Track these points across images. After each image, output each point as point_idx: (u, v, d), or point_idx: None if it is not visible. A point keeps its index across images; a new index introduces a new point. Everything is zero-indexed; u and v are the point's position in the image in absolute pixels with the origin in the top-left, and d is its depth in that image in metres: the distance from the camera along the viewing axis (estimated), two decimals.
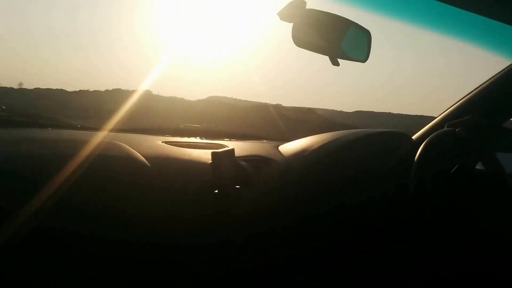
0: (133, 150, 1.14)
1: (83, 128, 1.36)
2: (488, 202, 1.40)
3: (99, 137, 1.20)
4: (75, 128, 1.37)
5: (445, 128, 1.37)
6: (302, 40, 1.00)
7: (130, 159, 1.11)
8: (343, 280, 1.32)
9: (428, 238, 1.34)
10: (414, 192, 1.27)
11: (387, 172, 1.40)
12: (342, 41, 1.06)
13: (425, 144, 1.32)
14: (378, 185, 1.39)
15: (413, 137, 1.63)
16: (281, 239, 1.21)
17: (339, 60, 1.07)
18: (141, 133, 1.41)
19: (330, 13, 1.01)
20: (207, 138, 1.49)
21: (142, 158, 1.12)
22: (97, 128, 1.32)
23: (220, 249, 1.11)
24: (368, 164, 1.40)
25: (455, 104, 1.59)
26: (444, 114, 1.60)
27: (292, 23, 0.97)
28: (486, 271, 1.36)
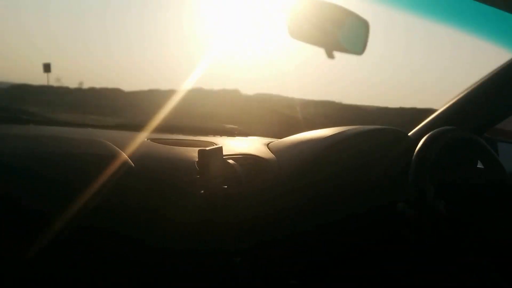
0: (116, 148, 1.11)
1: (66, 124, 1.34)
2: (489, 203, 1.36)
3: (80, 133, 1.18)
4: (57, 124, 1.35)
5: (444, 127, 1.33)
6: (297, 31, 0.96)
7: (112, 157, 1.07)
8: (338, 283, 1.28)
9: (428, 240, 1.31)
10: (413, 191, 1.23)
11: (383, 170, 1.36)
12: (339, 32, 1.01)
13: (423, 142, 1.28)
14: (374, 185, 1.34)
15: (410, 134, 1.59)
16: (271, 241, 1.17)
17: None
18: (126, 130, 1.38)
19: (328, 2, 0.96)
20: (194, 134, 1.45)
21: (126, 157, 1.09)
22: (80, 124, 1.30)
23: (208, 251, 1.08)
24: (362, 162, 1.35)
25: (453, 99, 1.55)
26: (443, 110, 1.57)
27: (287, 13, 0.93)
28: (488, 273, 1.34)
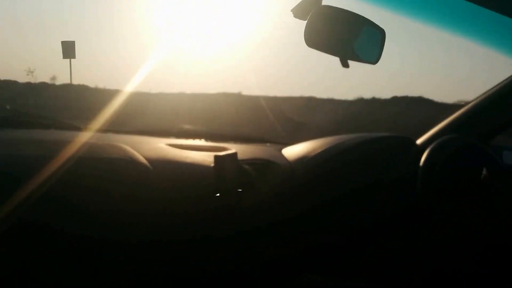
0: (135, 152, 1.12)
1: (86, 129, 1.34)
2: (492, 209, 1.38)
3: (101, 139, 1.19)
4: (78, 129, 1.35)
5: (450, 135, 1.35)
6: (314, 40, 0.97)
7: (132, 161, 1.09)
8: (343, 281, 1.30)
9: (434, 240, 1.33)
10: (420, 197, 1.25)
11: (392, 176, 1.38)
12: (355, 40, 1.02)
13: (430, 150, 1.30)
14: (383, 189, 1.36)
15: (418, 142, 1.60)
16: (284, 243, 1.20)
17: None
18: (144, 135, 1.39)
19: (346, 10, 0.98)
20: (210, 140, 1.47)
21: (144, 160, 1.10)
22: (99, 130, 1.30)
23: (223, 253, 1.10)
24: (372, 168, 1.38)
25: (462, 108, 1.57)
26: (450, 119, 1.58)
27: (305, 21, 0.94)
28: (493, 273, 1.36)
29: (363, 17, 0.99)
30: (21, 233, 0.88)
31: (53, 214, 0.92)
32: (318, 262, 1.28)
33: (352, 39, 1.02)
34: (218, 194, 1.07)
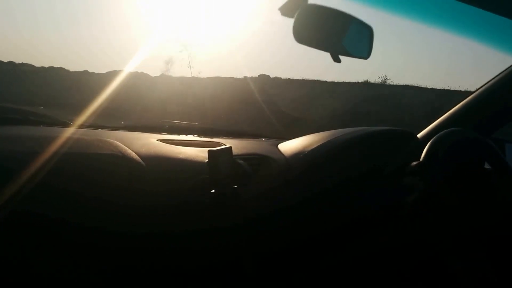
0: (126, 148, 1.12)
1: (76, 125, 1.34)
2: (495, 203, 1.36)
3: (91, 135, 1.18)
4: (68, 125, 1.34)
5: (451, 128, 1.34)
6: (303, 36, 0.97)
7: (123, 157, 1.08)
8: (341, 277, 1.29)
9: (432, 237, 1.32)
10: (423, 191, 1.24)
11: (391, 171, 1.36)
12: (344, 37, 1.02)
13: (431, 144, 1.28)
14: (382, 184, 1.35)
15: (418, 136, 1.59)
16: (280, 240, 1.19)
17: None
18: (135, 131, 1.38)
19: (332, 8, 0.97)
20: (203, 136, 1.45)
21: (136, 156, 1.10)
22: (90, 126, 1.30)
23: (217, 250, 1.09)
24: (371, 162, 1.36)
25: (462, 102, 1.55)
26: (451, 112, 1.57)
27: (293, 19, 0.94)
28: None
29: (349, 15, 0.99)
30: (10, 229, 0.89)
31: (45, 210, 0.92)
32: (314, 258, 1.26)
33: (341, 36, 1.02)
34: (213, 191, 1.06)
